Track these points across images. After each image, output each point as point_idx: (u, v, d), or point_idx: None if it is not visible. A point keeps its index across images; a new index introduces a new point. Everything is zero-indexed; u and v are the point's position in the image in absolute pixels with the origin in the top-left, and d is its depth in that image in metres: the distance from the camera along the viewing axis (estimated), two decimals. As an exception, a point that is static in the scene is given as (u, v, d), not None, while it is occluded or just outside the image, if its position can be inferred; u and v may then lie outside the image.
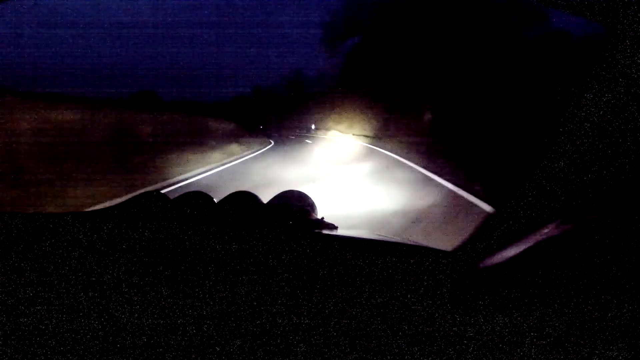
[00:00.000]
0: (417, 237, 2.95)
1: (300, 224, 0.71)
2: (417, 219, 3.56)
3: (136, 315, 0.44)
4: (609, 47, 0.37)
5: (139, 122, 7.07)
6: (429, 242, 0.64)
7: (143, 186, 4.95)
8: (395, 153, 9.90)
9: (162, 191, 0.78)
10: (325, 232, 0.67)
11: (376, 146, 12.51)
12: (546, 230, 0.41)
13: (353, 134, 19.49)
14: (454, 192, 4.65)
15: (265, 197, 0.85)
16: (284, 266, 0.48)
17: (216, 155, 8.82)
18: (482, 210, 3.64)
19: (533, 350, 0.38)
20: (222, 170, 7.31)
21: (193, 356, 0.41)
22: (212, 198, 0.79)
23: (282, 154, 11.48)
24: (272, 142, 17.40)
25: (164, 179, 5.63)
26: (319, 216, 0.81)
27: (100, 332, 0.43)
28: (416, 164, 7.60)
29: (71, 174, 4.42)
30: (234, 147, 10.54)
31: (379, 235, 0.73)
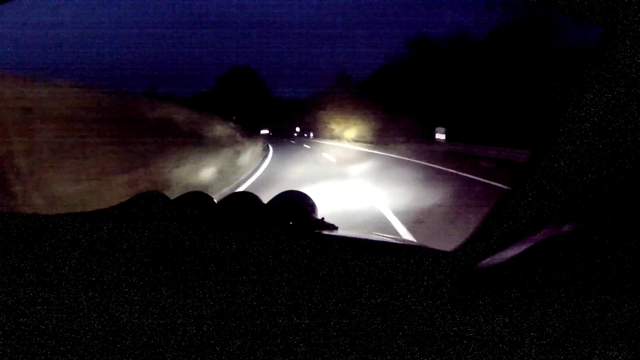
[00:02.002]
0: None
1: (301, 224, 0.71)
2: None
3: (136, 315, 0.44)
4: (609, 47, 0.37)
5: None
6: (429, 242, 0.64)
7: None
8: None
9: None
10: (326, 232, 0.67)
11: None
12: (546, 230, 0.41)
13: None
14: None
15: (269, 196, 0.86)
16: (284, 266, 0.48)
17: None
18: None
19: (533, 350, 0.38)
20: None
21: (193, 356, 0.41)
22: (212, 198, 0.79)
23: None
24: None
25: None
26: (320, 216, 0.81)
27: (100, 332, 0.43)
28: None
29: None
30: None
31: (379, 235, 0.73)
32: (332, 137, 24.59)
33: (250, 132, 15.49)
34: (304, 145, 18.79)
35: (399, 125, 17.23)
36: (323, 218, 0.77)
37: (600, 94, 0.38)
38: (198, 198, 0.76)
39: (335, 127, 24.33)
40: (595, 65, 0.38)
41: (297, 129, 32.57)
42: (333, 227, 0.71)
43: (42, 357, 0.41)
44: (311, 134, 28.23)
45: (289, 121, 33.07)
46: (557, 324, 0.38)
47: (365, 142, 19.50)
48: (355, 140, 21.17)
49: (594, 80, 0.38)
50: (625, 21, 0.36)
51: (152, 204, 0.72)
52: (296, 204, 0.84)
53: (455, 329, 0.40)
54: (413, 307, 0.42)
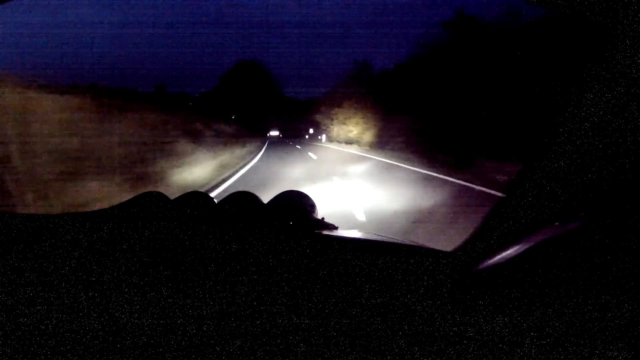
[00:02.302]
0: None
1: (301, 224, 0.71)
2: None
3: (136, 315, 0.44)
4: (609, 47, 0.37)
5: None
6: (429, 242, 0.64)
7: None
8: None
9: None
10: (326, 232, 0.67)
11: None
12: (546, 230, 0.41)
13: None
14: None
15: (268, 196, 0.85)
16: (284, 266, 0.48)
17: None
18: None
19: (533, 350, 0.38)
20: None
21: (193, 356, 0.41)
22: (212, 198, 0.79)
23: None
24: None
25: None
26: (320, 216, 0.81)
27: (100, 332, 0.43)
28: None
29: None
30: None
31: (379, 235, 0.73)
32: (349, 142, 19.76)
33: (249, 135, 14.37)
34: (309, 153, 13.85)
35: (451, 127, 9.87)
36: (323, 218, 0.77)
37: (600, 94, 0.38)
38: (198, 198, 0.76)
39: (353, 129, 19.80)
40: (595, 65, 0.38)
41: (311, 131, 31.28)
42: (333, 227, 0.71)
43: (42, 357, 0.41)
44: (324, 136, 26.01)
45: (301, 121, 31.87)
46: (557, 324, 0.38)
47: (388, 148, 13.07)
48: (379, 146, 14.51)
49: (594, 80, 0.38)
50: (625, 21, 0.36)
51: (152, 204, 0.72)
52: (296, 204, 0.84)
53: (455, 329, 0.40)
54: (413, 307, 0.42)
